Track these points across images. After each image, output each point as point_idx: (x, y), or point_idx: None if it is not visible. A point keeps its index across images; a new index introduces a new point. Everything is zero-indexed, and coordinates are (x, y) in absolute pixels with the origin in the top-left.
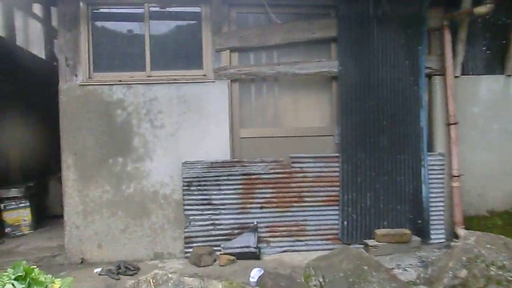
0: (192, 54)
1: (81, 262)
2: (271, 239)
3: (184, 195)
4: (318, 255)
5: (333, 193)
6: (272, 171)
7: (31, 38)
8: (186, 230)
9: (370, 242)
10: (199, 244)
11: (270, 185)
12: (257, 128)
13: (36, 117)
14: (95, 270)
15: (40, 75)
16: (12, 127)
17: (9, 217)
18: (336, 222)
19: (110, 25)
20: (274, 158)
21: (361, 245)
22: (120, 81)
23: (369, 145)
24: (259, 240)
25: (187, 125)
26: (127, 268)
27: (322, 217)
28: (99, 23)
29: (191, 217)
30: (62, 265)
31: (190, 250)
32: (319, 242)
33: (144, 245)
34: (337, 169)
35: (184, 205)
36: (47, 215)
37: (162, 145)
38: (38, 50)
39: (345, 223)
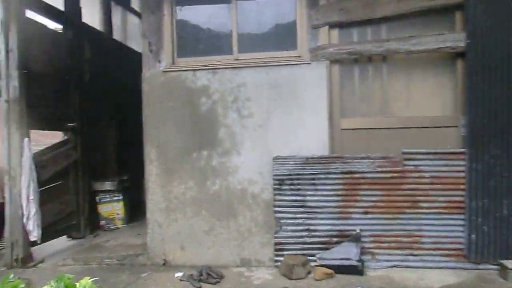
0: (285, 33)
1: (164, 264)
2: (377, 251)
3: (274, 195)
4: (437, 274)
5: (457, 198)
6: (379, 169)
7: (129, 33)
8: (276, 235)
9: (509, 263)
10: (291, 252)
11: (377, 186)
12: (361, 118)
13: (133, 110)
14: (176, 275)
15: (136, 68)
16: (109, 121)
17: (104, 210)
18: (461, 234)
19: (194, 6)
20: (382, 154)
21: (495, 266)
22: (205, 65)
23: (506, 139)
24: (362, 252)
25: (278, 114)
26: (209, 275)
27: (441, 227)
28: (182, 5)
29: (282, 221)
30: (144, 266)
31: (281, 258)
32: (438, 258)
33: (229, 250)
34: (462, 168)
35: (275, 206)
36: (142, 209)
37: (251, 137)
38: (136, 44)
39: (473, 236)
